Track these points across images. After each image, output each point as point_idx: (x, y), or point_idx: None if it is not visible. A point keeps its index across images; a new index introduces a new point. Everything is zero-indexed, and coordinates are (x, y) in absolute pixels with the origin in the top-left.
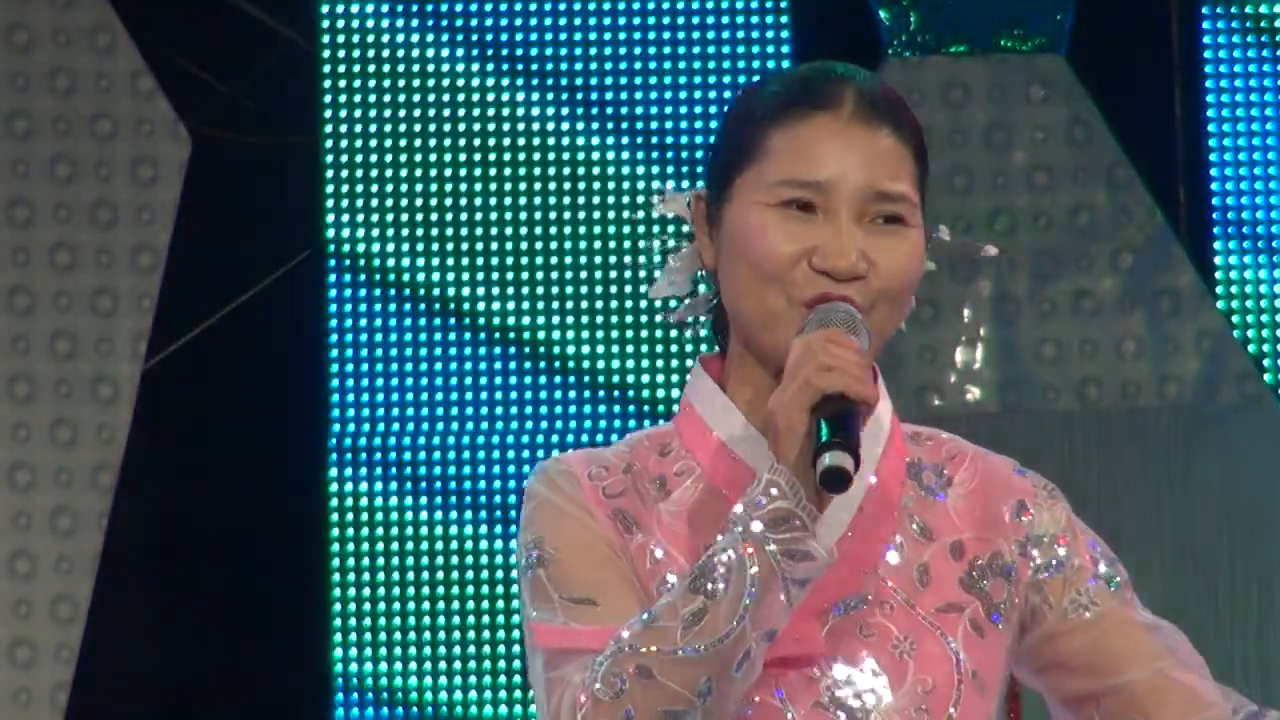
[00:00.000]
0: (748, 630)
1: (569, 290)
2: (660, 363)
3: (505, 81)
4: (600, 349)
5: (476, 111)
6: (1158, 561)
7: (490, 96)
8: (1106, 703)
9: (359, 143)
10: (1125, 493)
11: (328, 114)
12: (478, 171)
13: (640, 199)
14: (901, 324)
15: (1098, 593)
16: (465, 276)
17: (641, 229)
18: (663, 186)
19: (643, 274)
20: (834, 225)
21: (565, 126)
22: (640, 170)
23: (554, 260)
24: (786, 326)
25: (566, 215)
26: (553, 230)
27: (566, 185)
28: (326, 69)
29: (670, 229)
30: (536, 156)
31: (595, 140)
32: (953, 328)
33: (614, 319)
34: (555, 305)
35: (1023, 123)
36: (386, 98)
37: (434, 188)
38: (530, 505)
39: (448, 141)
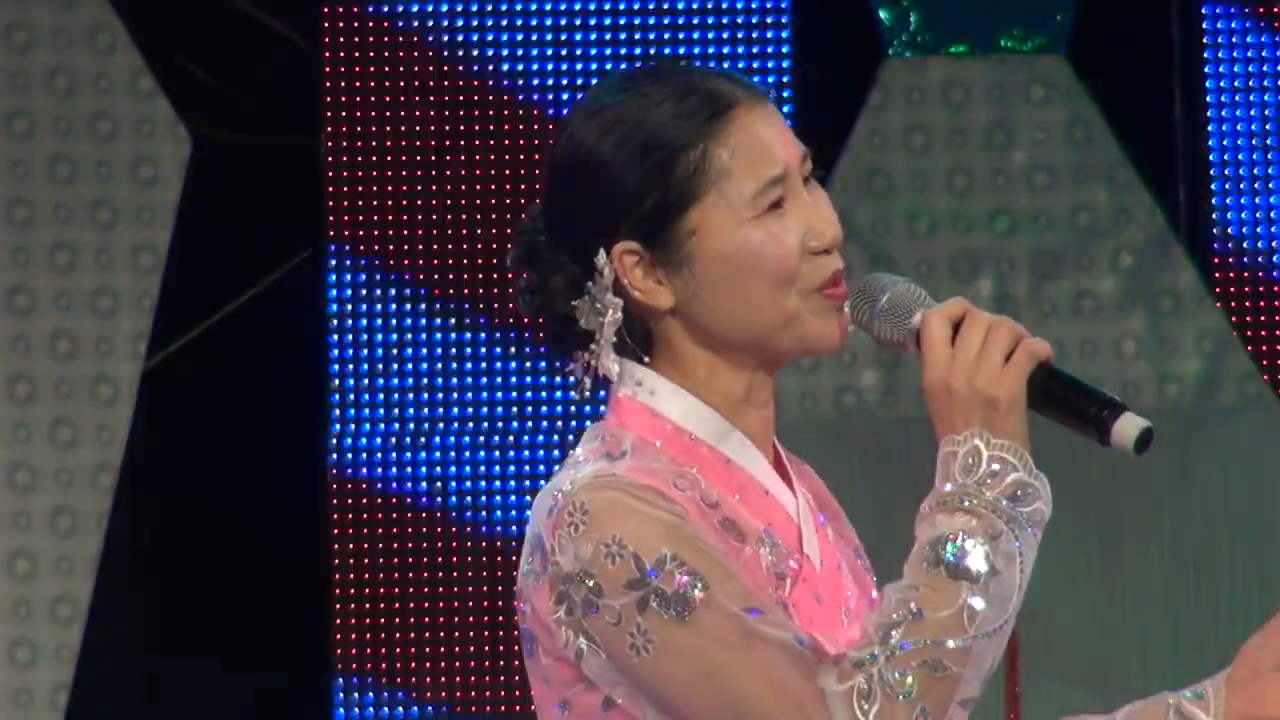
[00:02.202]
0: (1017, 605)
1: None
2: None
3: (506, 83)
4: None
5: (478, 112)
6: (1158, 562)
7: (491, 98)
8: None
9: (360, 143)
10: (1125, 493)
11: (329, 114)
12: (478, 171)
13: None
14: None
15: None
16: (466, 276)
17: None
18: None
19: None
20: (802, 205)
21: None
22: None
23: None
24: (809, 319)
25: None
26: None
27: None
28: (328, 69)
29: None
30: (538, 157)
31: None
32: None
33: None
34: None
35: (1023, 123)
36: (388, 97)
37: (434, 187)
38: (620, 522)
39: (448, 142)
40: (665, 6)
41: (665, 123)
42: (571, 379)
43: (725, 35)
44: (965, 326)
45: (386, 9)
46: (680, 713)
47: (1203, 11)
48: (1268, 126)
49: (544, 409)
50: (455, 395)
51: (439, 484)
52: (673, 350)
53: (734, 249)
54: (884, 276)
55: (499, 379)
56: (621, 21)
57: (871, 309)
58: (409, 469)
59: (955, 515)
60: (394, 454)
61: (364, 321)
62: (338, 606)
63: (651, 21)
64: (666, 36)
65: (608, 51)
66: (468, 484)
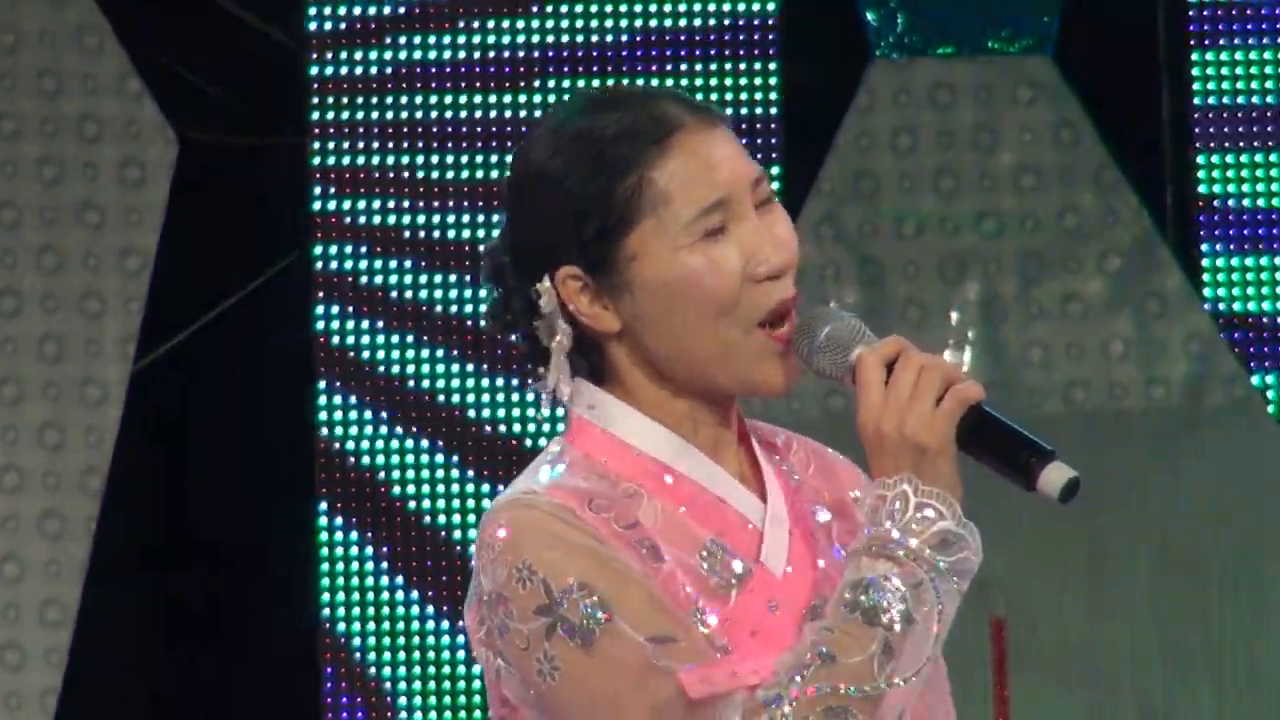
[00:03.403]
0: (934, 654)
1: None
2: None
3: (493, 84)
4: None
5: (464, 114)
6: (1145, 564)
7: (478, 99)
8: None
9: (346, 144)
10: (1112, 495)
11: (315, 116)
12: (465, 174)
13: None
14: None
15: None
16: (453, 279)
17: None
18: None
19: None
20: (749, 230)
21: None
22: None
23: None
24: (747, 354)
25: None
26: None
27: None
28: (314, 70)
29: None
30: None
31: None
32: (940, 330)
33: None
34: None
35: (1010, 124)
36: (374, 99)
37: (421, 190)
38: (534, 545)
39: (435, 144)
40: (652, 9)
41: (607, 146)
42: (541, 394)
43: (713, 38)
44: (898, 368)
45: (373, 10)
46: None
47: (1189, 14)
48: (1254, 129)
49: (530, 410)
50: (441, 399)
51: (426, 486)
52: (622, 374)
53: (670, 276)
54: (826, 310)
55: (485, 381)
56: (609, 24)
57: (810, 343)
58: (396, 472)
59: (878, 561)
60: (381, 458)
61: (350, 324)
62: (326, 612)
63: (639, 24)
64: (654, 38)
65: (594, 53)
66: (455, 487)
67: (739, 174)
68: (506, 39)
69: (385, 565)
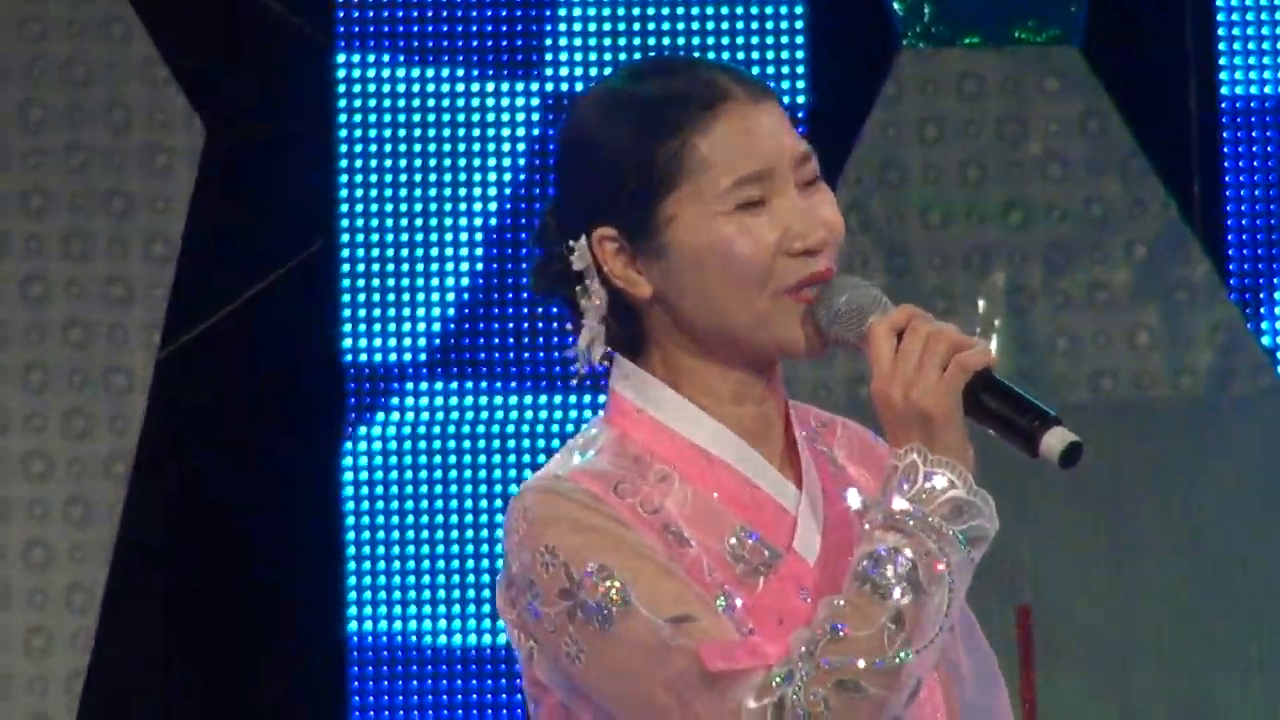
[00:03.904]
0: (946, 626)
1: None
2: None
3: (520, 73)
4: None
5: (491, 102)
6: (1173, 553)
7: (505, 87)
8: None
9: (373, 133)
10: (1139, 485)
11: (342, 104)
12: (492, 161)
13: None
14: None
15: None
16: (480, 268)
17: None
18: (570, 244)
19: None
20: (788, 205)
21: None
22: None
23: None
24: (780, 321)
25: None
26: None
27: None
28: (341, 58)
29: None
30: (553, 148)
31: None
32: (966, 319)
33: None
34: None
35: (1037, 114)
36: (401, 87)
37: (448, 178)
38: (556, 530)
39: (461, 131)
40: (680, 8)
41: (652, 111)
42: (574, 369)
43: (740, 26)
44: (905, 337)
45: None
46: (615, 718)
47: (1217, 4)
48: (1272, 118)
49: (558, 397)
50: (471, 384)
51: (453, 471)
52: (659, 344)
53: (704, 242)
54: (847, 279)
55: (514, 369)
56: (635, 11)
57: (828, 312)
58: (423, 457)
59: (889, 533)
60: (408, 443)
61: (376, 312)
62: (353, 594)
63: (665, 12)
64: (680, 27)
65: (620, 41)
66: (483, 473)
67: (783, 148)
68: (534, 27)
69: (412, 550)
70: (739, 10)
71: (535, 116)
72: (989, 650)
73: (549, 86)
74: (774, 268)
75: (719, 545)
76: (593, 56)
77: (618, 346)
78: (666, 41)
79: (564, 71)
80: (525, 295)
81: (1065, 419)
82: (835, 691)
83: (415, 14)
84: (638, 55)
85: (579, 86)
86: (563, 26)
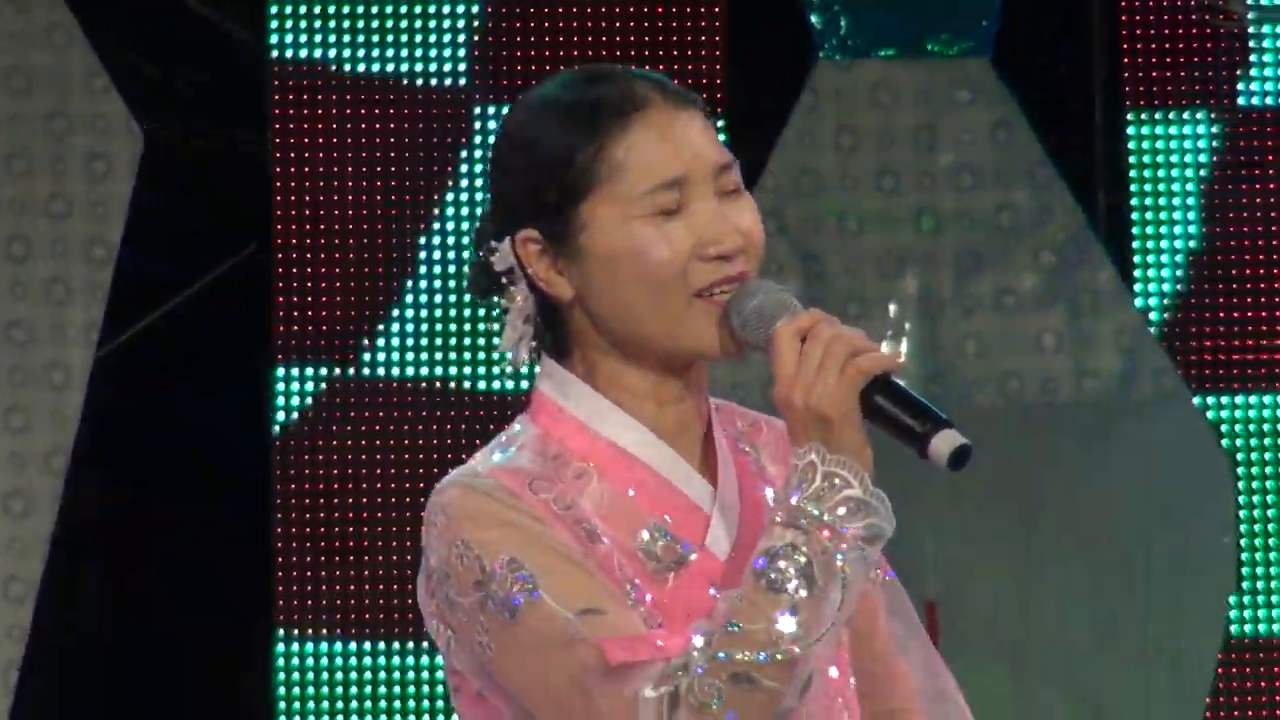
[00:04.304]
0: (839, 621)
1: None
2: None
3: (448, 82)
4: None
5: (421, 110)
6: (1078, 549)
7: (435, 97)
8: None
9: (307, 139)
10: (1046, 484)
11: (277, 111)
12: (422, 168)
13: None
14: None
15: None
16: (410, 269)
17: None
18: (492, 244)
19: None
20: (705, 211)
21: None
22: None
23: None
24: (694, 324)
25: None
26: None
27: None
28: (276, 69)
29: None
30: (480, 155)
31: None
32: (879, 324)
33: None
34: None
35: (948, 125)
36: (334, 96)
37: (380, 183)
38: (471, 525)
39: (393, 139)
40: (604, 11)
41: (573, 117)
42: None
43: (661, 38)
44: (808, 341)
45: (333, 9)
46: (525, 707)
47: (1123, 18)
48: (1185, 130)
49: (482, 399)
50: (396, 387)
51: (380, 469)
52: (581, 345)
53: (620, 245)
54: (760, 284)
55: (440, 370)
56: (560, 24)
57: (740, 316)
58: (350, 454)
59: (787, 530)
60: (335, 440)
61: (310, 313)
62: (281, 588)
63: (590, 25)
64: (604, 39)
65: (546, 53)
66: (408, 469)
67: (702, 157)
68: (462, 37)
69: (340, 545)
70: (659, 21)
71: (464, 125)
72: (927, 637)
73: (478, 95)
74: (688, 271)
75: (631, 542)
76: (519, 68)
77: (545, 347)
78: (590, 54)
79: (491, 81)
80: (455, 298)
81: (973, 421)
82: (729, 683)
83: (348, 25)
84: (562, 65)
85: (505, 95)
86: (490, 38)
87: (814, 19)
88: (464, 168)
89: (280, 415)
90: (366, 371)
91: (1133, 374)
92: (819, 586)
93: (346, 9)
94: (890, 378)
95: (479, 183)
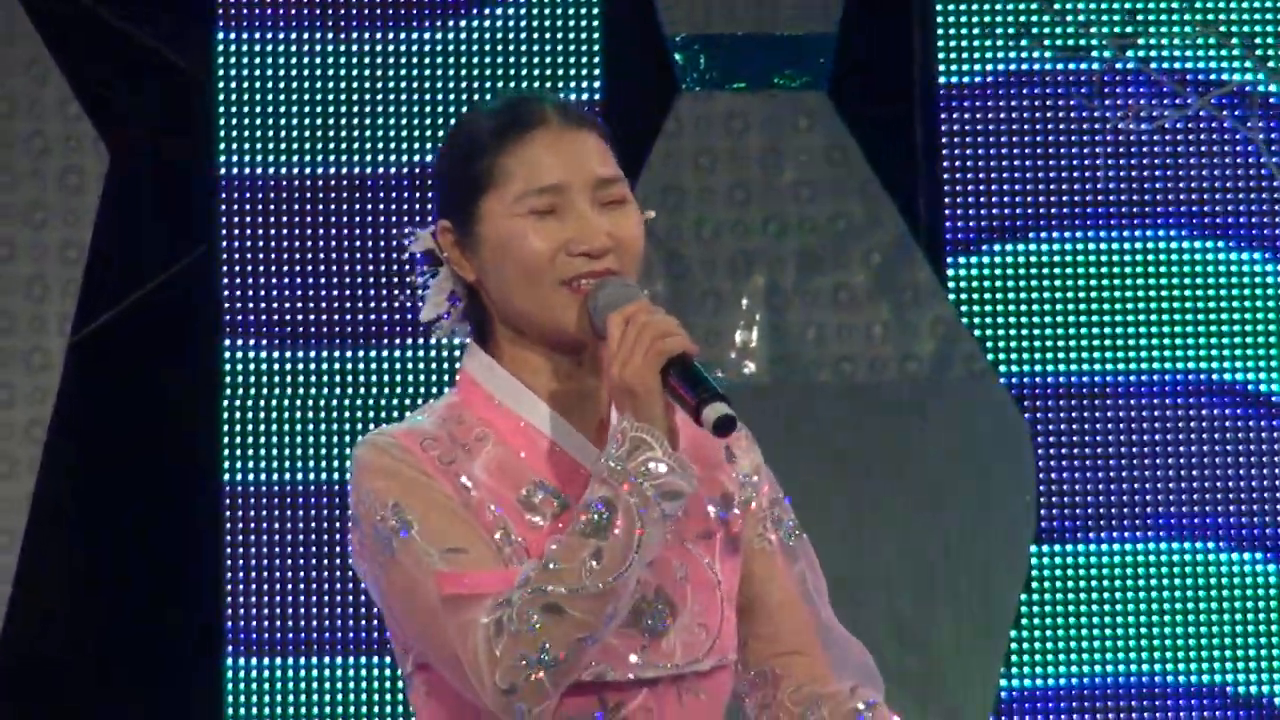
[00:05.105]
0: (638, 561)
1: None
2: None
3: (380, 103)
4: None
5: (367, 121)
6: (900, 508)
7: (378, 109)
8: (752, 645)
9: (249, 155)
10: (874, 450)
11: (222, 131)
12: (357, 170)
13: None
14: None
15: (774, 531)
16: (348, 268)
17: None
18: (412, 230)
19: None
20: (578, 215)
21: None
22: None
23: None
24: (558, 308)
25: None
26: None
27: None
28: (221, 95)
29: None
30: (418, 163)
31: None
32: (732, 314)
33: None
34: None
35: (791, 147)
36: (280, 107)
37: (321, 194)
38: (371, 476)
39: (332, 145)
40: (489, 48)
41: (482, 131)
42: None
43: (543, 72)
44: (627, 326)
45: (271, 35)
46: (407, 630)
47: (939, 58)
48: (991, 152)
49: (434, 393)
50: (339, 375)
51: (325, 450)
52: (490, 328)
53: (503, 237)
54: (617, 280)
55: (387, 366)
56: (451, 60)
57: (594, 304)
58: (300, 437)
59: (599, 485)
60: (287, 424)
61: (251, 305)
62: (228, 551)
63: (476, 61)
64: (489, 72)
65: (451, 84)
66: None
67: (584, 169)
68: (392, 52)
69: (291, 526)
70: (542, 57)
71: (404, 144)
72: (824, 584)
73: (403, 120)
74: (556, 263)
75: (513, 495)
76: (428, 97)
77: (472, 329)
78: (477, 86)
79: (415, 108)
80: (401, 301)
81: (813, 396)
82: (542, 613)
83: (293, 48)
84: (464, 98)
85: (417, 123)
86: (405, 70)
87: (678, 57)
88: (408, 175)
89: (227, 393)
90: (314, 351)
91: (947, 357)
92: (618, 533)
93: (289, 32)
94: (687, 359)
95: (418, 186)
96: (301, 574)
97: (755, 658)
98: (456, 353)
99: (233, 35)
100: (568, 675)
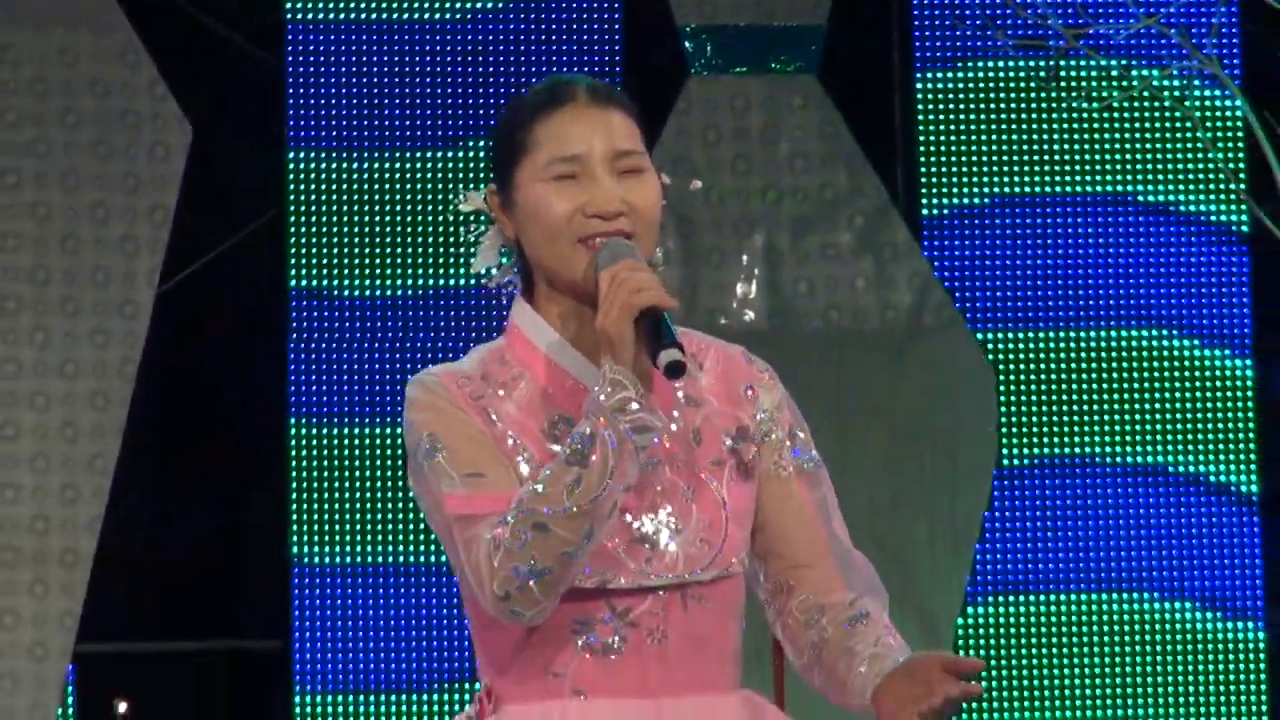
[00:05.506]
0: (612, 486)
1: None
2: None
3: (440, 87)
4: None
5: (434, 103)
6: (882, 438)
7: (442, 91)
8: (771, 560)
9: (322, 132)
10: (859, 388)
11: (291, 110)
12: (426, 139)
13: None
14: (656, 246)
15: (792, 460)
16: (411, 230)
17: None
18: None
19: None
20: (596, 182)
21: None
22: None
23: None
24: (572, 262)
25: None
26: None
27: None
28: (290, 79)
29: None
30: (468, 140)
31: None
32: (734, 269)
33: None
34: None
35: (786, 124)
36: (348, 88)
37: (389, 160)
38: (415, 410)
39: (398, 121)
40: (516, 29)
41: (522, 109)
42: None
43: (568, 60)
44: (612, 281)
45: (344, 18)
46: (438, 533)
47: (915, 44)
48: (968, 128)
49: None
50: (403, 337)
51: (389, 397)
52: (531, 281)
53: (531, 199)
54: (622, 242)
55: (449, 332)
56: (479, 55)
57: (599, 261)
58: (364, 387)
59: (585, 419)
60: (350, 365)
61: (319, 263)
62: (294, 486)
63: (513, 68)
64: (512, 59)
65: (469, 78)
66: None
67: (603, 141)
68: (445, 56)
69: (351, 472)
70: (567, 47)
71: (465, 122)
72: (838, 508)
73: (451, 111)
74: (573, 223)
75: (538, 426)
76: (463, 90)
77: (521, 280)
78: (514, 80)
79: (459, 94)
80: (462, 270)
81: (805, 342)
82: (531, 530)
83: (363, 19)
84: (497, 82)
85: (463, 112)
86: (454, 66)
87: (687, 45)
88: (471, 153)
89: (294, 336)
90: (377, 309)
91: (922, 308)
92: (594, 461)
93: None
94: (656, 311)
95: (483, 153)
96: (362, 517)
97: (773, 571)
98: None
99: (298, 19)
100: (555, 585)
